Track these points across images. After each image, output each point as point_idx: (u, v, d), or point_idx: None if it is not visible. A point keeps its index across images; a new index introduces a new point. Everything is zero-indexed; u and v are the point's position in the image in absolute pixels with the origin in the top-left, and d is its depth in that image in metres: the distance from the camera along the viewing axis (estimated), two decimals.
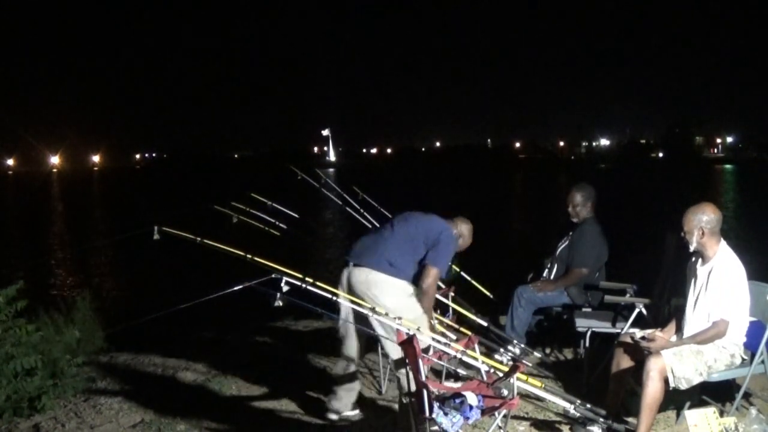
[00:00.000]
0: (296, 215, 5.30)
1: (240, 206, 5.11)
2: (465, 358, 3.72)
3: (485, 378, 3.61)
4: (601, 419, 3.71)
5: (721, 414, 3.72)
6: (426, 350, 3.70)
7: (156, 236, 3.98)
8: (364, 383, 4.85)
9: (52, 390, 4.49)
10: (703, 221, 3.67)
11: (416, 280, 3.99)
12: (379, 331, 3.85)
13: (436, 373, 4.64)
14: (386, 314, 3.73)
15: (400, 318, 3.76)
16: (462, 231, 4.30)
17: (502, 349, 4.95)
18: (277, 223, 5.09)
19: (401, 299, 3.92)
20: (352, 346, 4.14)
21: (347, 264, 4.02)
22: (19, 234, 23.94)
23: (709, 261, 3.73)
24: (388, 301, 3.88)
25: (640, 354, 3.73)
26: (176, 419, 4.26)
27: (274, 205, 5.27)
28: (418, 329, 3.72)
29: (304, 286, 3.65)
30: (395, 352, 3.82)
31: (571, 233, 5.40)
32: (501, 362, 4.38)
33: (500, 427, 3.32)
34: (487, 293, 5.51)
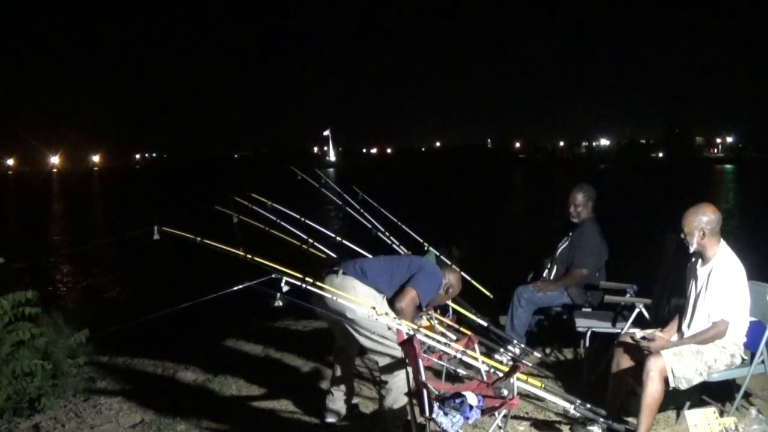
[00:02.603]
0: (296, 215, 5.30)
1: (241, 200, 5.11)
2: (465, 358, 3.72)
3: (485, 378, 3.61)
4: (601, 419, 3.71)
5: (721, 414, 3.72)
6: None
7: (156, 236, 3.98)
8: (363, 383, 4.85)
9: (52, 390, 4.49)
10: (703, 222, 3.66)
11: (390, 302, 3.95)
12: (364, 335, 3.81)
13: (437, 373, 4.64)
14: (386, 314, 3.73)
15: (399, 320, 3.76)
16: (450, 281, 4.24)
17: (502, 349, 4.95)
18: (278, 221, 5.09)
19: (368, 302, 3.84)
20: (346, 346, 4.13)
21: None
22: (19, 234, 23.92)
23: (709, 261, 3.73)
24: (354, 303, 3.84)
25: (640, 354, 3.73)
26: (176, 419, 4.26)
27: (274, 205, 5.27)
28: (419, 329, 3.72)
29: (304, 286, 3.65)
30: (382, 358, 3.81)
31: (570, 233, 5.40)
32: (501, 362, 4.37)
33: (500, 427, 3.32)
34: (487, 293, 5.51)
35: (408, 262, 4.07)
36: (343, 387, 4.16)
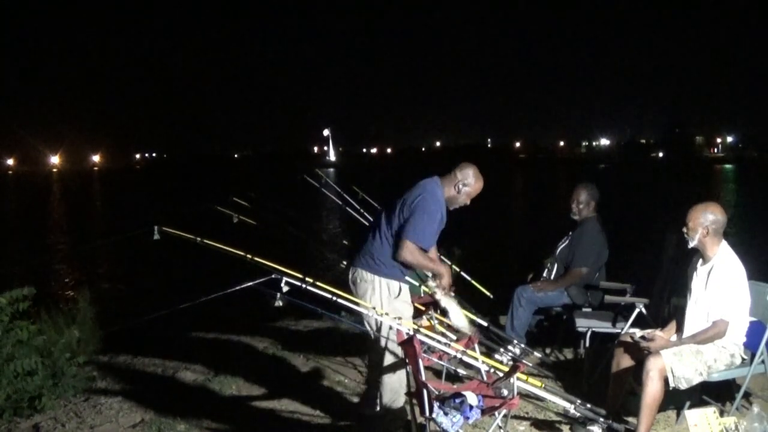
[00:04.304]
0: (296, 215, 5.30)
1: (241, 202, 5.11)
2: (465, 358, 3.72)
3: (485, 378, 3.62)
4: (601, 419, 3.71)
5: (721, 414, 3.72)
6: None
7: (156, 236, 3.98)
8: (363, 383, 4.85)
9: (52, 390, 4.49)
10: (709, 220, 3.67)
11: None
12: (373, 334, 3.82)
13: (437, 373, 4.64)
14: (386, 314, 3.73)
15: (400, 318, 3.76)
16: (465, 179, 3.90)
17: (502, 349, 4.95)
18: (277, 222, 5.09)
19: (383, 301, 3.81)
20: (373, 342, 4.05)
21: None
22: (19, 234, 23.93)
23: (710, 261, 3.73)
24: (370, 301, 3.81)
25: (640, 354, 3.73)
26: (176, 419, 4.26)
27: (274, 205, 5.27)
28: (419, 329, 3.72)
29: (304, 286, 3.65)
30: (380, 359, 3.81)
31: (571, 233, 5.41)
32: (501, 362, 4.37)
33: (500, 427, 3.32)
34: (487, 293, 5.51)
35: (399, 211, 3.80)
36: (373, 381, 4.09)
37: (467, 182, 3.92)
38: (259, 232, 5.00)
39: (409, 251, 3.72)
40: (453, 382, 4.11)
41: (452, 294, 4.08)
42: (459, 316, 3.98)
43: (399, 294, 3.86)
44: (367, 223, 5.40)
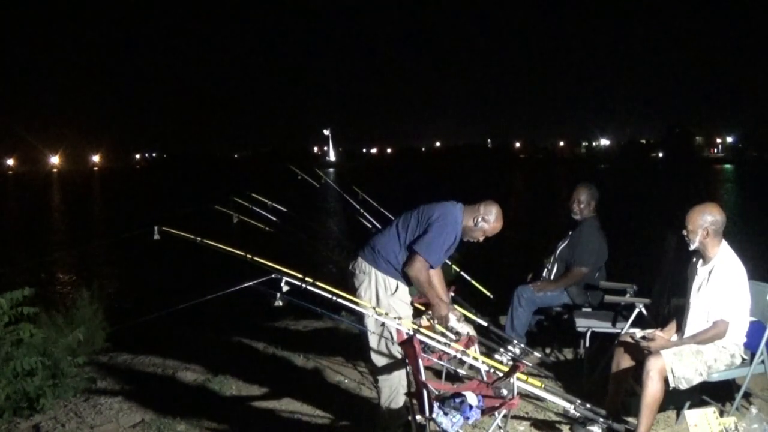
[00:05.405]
0: (296, 215, 5.31)
1: (241, 201, 5.11)
2: (465, 358, 3.72)
3: (485, 378, 3.62)
4: (601, 419, 3.71)
5: (721, 414, 3.72)
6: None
7: (156, 236, 3.98)
8: (363, 383, 4.86)
9: (52, 390, 4.49)
10: (708, 221, 3.67)
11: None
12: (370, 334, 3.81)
13: (437, 373, 4.64)
14: (386, 314, 3.73)
15: (399, 318, 3.76)
16: (486, 215, 3.90)
17: (502, 349, 4.95)
18: (277, 222, 5.09)
19: (378, 296, 3.81)
20: None
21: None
22: (19, 234, 23.92)
23: (710, 261, 3.73)
24: (364, 293, 3.81)
25: (640, 354, 3.73)
26: (176, 419, 4.26)
27: (274, 204, 5.27)
28: (419, 329, 3.72)
29: (304, 286, 3.65)
30: (379, 358, 3.81)
31: (570, 233, 5.41)
32: (501, 362, 4.37)
33: (500, 427, 3.32)
34: (487, 293, 5.51)
35: (416, 223, 3.82)
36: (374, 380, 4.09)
37: (487, 219, 3.92)
38: (259, 231, 5.01)
39: (418, 268, 3.72)
40: (453, 382, 4.11)
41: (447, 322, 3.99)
42: (461, 325, 3.96)
43: (395, 291, 3.83)
44: (367, 224, 5.41)
